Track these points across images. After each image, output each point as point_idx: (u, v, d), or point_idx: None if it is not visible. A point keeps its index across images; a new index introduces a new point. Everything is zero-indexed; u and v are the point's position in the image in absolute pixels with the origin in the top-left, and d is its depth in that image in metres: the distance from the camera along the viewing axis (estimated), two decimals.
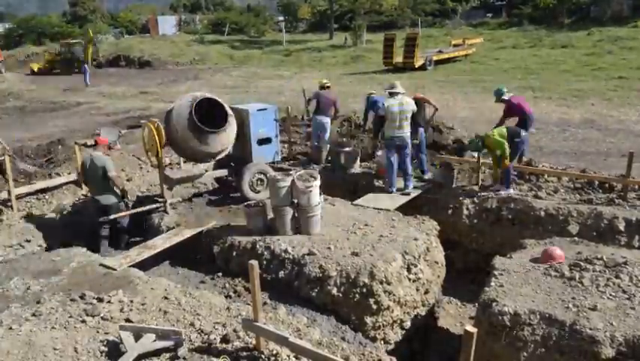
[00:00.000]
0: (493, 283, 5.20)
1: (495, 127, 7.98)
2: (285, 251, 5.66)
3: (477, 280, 6.68)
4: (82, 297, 4.78)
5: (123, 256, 5.93)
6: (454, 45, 28.79)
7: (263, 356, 3.91)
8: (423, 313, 5.93)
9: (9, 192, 7.37)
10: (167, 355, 3.94)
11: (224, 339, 4.09)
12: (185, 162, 9.29)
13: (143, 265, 5.92)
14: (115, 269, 5.44)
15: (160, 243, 6.21)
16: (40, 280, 5.27)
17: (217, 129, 6.58)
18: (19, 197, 7.58)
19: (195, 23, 52.30)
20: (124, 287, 5.00)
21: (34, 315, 4.49)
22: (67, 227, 7.34)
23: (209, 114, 6.77)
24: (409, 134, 7.61)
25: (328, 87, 9.78)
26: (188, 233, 6.39)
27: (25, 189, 7.92)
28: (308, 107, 10.97)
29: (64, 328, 4.29)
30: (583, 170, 7.99)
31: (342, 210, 6.83)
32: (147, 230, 7.00)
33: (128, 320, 4.39)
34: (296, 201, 5.96)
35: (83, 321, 4.38)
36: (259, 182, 7.34)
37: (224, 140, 6.77)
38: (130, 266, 5.60)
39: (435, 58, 25.88)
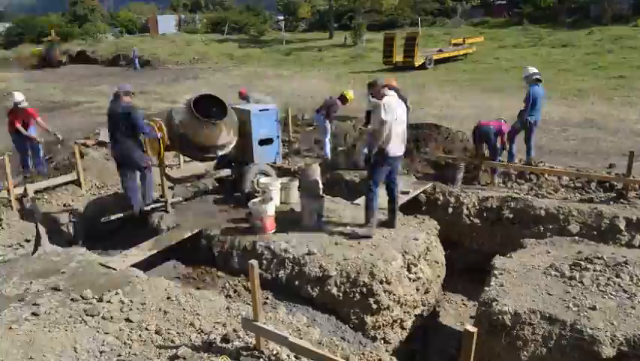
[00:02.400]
0: (493, 283, 5.19)
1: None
2: (285, 251, 5.66)
3: (477, 279, 6.68)
4: (82, 297, 4.78)
5: (123, 255, 5.92)
6: (454, 44, 28.81)
7: (263, 356, 3.91)
8: (423, 313, 5.93)
9: (8, 192, 7.37)
10: (167, 355, 3.94)
11: (224, 339, 4.09)
12: (185, 162, 9.31)
13: (143, 265, 5.92)
14: (115, 269, 5.44)
15: (161, 243, 6.18)
16: (40, 280, 5.26)
17: (216, 121, 6.66)
18: (18, 197, 7.59)
19: (195, 23, 52.31)
20: (124, 287, 4.99)
21: (34, 315, 4.48)
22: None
23: (210, 113, 6.80)
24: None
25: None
26: (187, 234, 6.36)
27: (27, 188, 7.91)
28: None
29: (64, 328, 4.28)
30: (583, 169, 7.99)
31: (342, 210, 6.82)
32: (148, 229, 6.99)
33: (128, 320, 4.39)
34: None
35: (83, 321, 4.37)
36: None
37: (225, 133, 6.78)
38: (130, 266, 5.59)
39: (435, 57, 25.90)
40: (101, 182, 8.58)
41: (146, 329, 4.25)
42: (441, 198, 7.72)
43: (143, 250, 5.99)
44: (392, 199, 6.14)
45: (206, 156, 7.20)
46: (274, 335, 3.82)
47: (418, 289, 5.73)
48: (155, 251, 6.00)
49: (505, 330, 4.66)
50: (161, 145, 6.73)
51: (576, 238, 6.35)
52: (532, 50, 27.69)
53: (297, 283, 5.39)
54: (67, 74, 30.78)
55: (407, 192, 7.58)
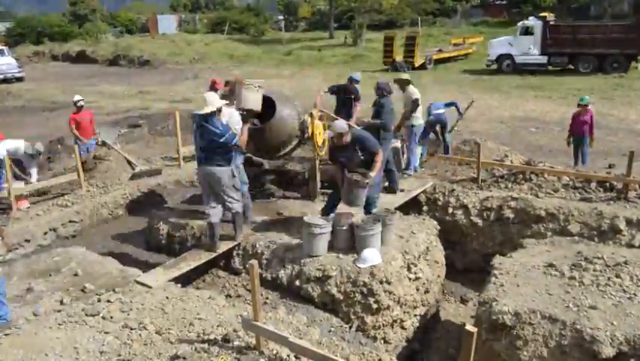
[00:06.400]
0: (493, 283, 5.19)
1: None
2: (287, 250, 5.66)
3: (477, 279, 6.68)
4: (82, 297, 4.78)
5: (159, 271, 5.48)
6: (454, 44, 28.85)
7: (263, 356, 3.91)
8: (423, 313, 5.93)
9: (9, 192, 7.37)
10: (167, 355, 3.94)
11: (225, 339, 4.09)
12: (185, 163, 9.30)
13: (143, 265, 5.93)
14: (150, 287, 5.02)
15: (197, 255, 5.77)
16: (40, 280, 5.27)
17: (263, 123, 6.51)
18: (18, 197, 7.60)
19: (195, 23, 52.29)
20: (124, 287, 4.99)
21: (34, 315, 4.49)
22: None
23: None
24: None
25: None
26: (224, 247, 5.96)
27: (27, 189, 7.93)
28: None
29: (65, 328, 4.29)
30: (583, 169, 7.99)
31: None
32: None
33: (128, 320, 4.39)
34: None
35: (84, 321, 4.38)
36: None
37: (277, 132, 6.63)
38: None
39: (435, 57, 25.93)
40: (102, 182, 8.58)
41: (146, 329, 4.26)
42: (441, 198, 7.72)
43: (179, 263, 5.61)
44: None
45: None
46: (274, 334, 3.82)
47: (418, 289, 5.73)
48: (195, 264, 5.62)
49: (506, 330, 4.67)
50: None
51: (576, 238, 6.35)
52: None
53: (297, 283, 5.39)
54: (68, 73, 30.79)
55: (402, 190, 7.56)
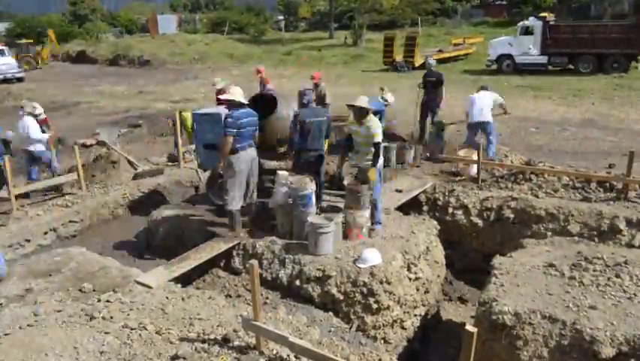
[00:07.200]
0: (493, 283, 5.19)
1: None
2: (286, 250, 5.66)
3: (477, 279, 6.68)
4: (82, 297, 4.78)
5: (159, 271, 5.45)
6: (455, 44, 28.83)
7: (263, 356, 3.91)
8: (423, 313, 5.93)
9: (9, 192, 7.36)
10: (167, 355, 3.94)
11: (225, 339, 4.09)
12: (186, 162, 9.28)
13: (143, 265, 5.92)
14: (151, 287, 5.02)
15: (198, 255, 5.77)
16: (40, 280, 5.27)
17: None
18: (18, 196, 7.59)
19: (195, 23, 52.26)
20: (124, 287, 4.99)
21: (34, 315, 4.49)
22: None
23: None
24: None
25: None
26: (225, 246, 5.99)
27: (25, 189, 7.93)
28: None
29: (65, 328, 4.28)
30: (583, 169, 7.99)
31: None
32: None
33: (128, 320, 4.39)
34: None
35: (84, 321, 4.37)
36: None
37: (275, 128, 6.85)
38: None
39: (435, 57, 25.87)
40: (103, 182, 8.58)
41: (146, 329, 4.26)
42: (441, 198, 7.72)
43: (180, 263, 5.60)
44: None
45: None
46: (274, 334, 3.82)
47: (418, 289, 5.74)
48: (195, 263, 5.61)
49: (506, 330, 4.66)
50: None
51: (576, 238, 6.35)
52: None
53: (297, 282, 5.40)
54: (68, 73, 30.77)
55: (401, 190, 7.56)
